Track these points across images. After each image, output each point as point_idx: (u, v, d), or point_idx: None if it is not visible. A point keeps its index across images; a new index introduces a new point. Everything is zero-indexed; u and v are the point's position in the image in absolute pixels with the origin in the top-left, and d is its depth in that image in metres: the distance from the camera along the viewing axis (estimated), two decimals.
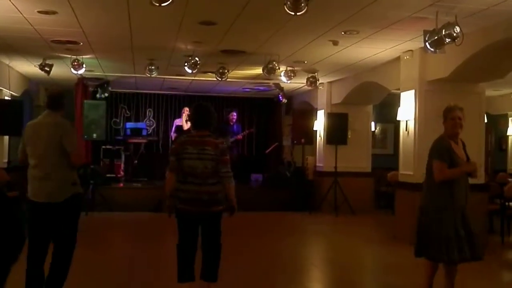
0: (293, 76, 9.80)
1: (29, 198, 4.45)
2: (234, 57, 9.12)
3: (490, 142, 14.66)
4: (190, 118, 4.97)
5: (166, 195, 4.75)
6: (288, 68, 9.67)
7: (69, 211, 4.46)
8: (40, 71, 9.65)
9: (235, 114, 13.50)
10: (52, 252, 4.50)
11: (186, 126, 12.77)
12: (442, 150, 4.71)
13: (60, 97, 4.64)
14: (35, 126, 4.57)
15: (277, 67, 8.79)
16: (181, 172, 4.65)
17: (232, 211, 4.77)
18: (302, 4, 4.93)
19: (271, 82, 11.80)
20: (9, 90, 10.29)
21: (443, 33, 5.80)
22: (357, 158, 11.83)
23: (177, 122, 13.38)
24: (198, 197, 4.58)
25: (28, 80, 11.81)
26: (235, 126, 13.37)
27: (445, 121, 4.78)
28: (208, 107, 4.86)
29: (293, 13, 5.04)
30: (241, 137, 13.56)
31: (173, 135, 13.33)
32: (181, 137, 5.00)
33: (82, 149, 4.48)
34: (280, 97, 12.88)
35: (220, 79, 10.07)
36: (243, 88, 13.59)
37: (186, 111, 13.02)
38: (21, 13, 6.42)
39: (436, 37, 5.94)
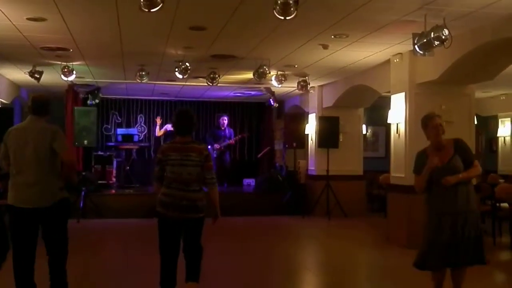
0: (284, 80, 9.81)
1: (13, 205, 4.37)
2: (224, 62, 9.12)
3: (481, 143, 14.76)
4: (173, 124, 4.93)
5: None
6: (279, 72, 9.68)
7: (57, 216, 4.45)
8: (30, 78, 9.60)
9: (226, 118, 13.55)
10: (48, 262, 4.48)
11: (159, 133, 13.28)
12: (416, 163, 4.83)
13: (45, 102, 4.57)
14: (19, 131, 4.48)
15: (267, 72, 8.81)
16: (165, 178, 4.68)
17: (215, 218, 4.78)
18: (291, 9, 4.93)
19: (262, 86, 11.81)
20: None
21: (432, 36, 5.83)
22: (349, 161, 11.85)
23: (168, 127, 13.41)
24: (177, 202, 4.60)
25: (18, 87, 11.75)
26: (227, 130, 13.42)
27: (426, 129, 4.78)
28: (189, 112, 4.85)
29: (282, 18, 5.04)
30: (233, 142, 13.58)
31: (157, 135, 13.75)
32: (163, 144, 5.03)
33: (74, 155, 4.48)
34: (271, 101, 12.91)
35: (211, 84, 10.06)
36: (234, 93, 13.60)
37: (158, 119, 13.46)
38: (10, 20, 6.39)
39: (425, 40, 5.98)
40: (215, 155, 12.84)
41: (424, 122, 4.80)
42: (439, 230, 4.60)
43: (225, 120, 13.51)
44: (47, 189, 4.38)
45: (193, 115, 4.83)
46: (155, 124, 13.87)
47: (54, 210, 4.39)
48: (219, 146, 13.17)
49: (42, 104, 4.57)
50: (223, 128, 13.41)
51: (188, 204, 4.60)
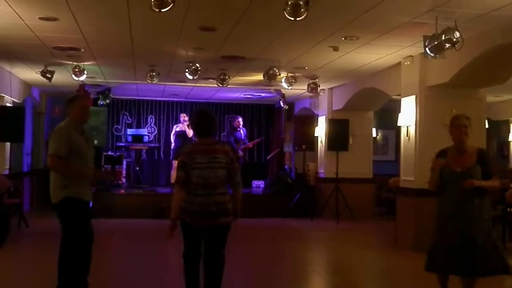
0: (294, 82, 9.81)
1: None
2: (234, 63, 9.13)
3: (492, 148, 14.64)
4: (193, 125, 4.71)
5: (174, 210, 4.43)
6: (289, 74, 9.68)
7: (60, 213, 4.63)
8: (41, 77, 9.67)
9: (240, 119, 13.45)
10: None
11: (190, 133, 12.72)
12: (437, 157, 4.80)
13: (65, 103, 4.90)
14: None
15: (278, 73, 8.80)
16: (190, 184, 4.39)
17: (234, 218, 4.59)
18: (302, 10, 4.93)
19: (272, 88, 11.80)
20: (11, 97, 10.31)
21: (443, 38, 5.79)
22: (359, 164, 11.81)
23: (177, 128, 13.26)
24: (206, 209, 4.35)
25: (29, 86, 11.84)
26: (242, 131, 13.31)
27: (451, 128, 4.78)
28: (210, 112, 4.69)
29: (292, 19, 5.04)
30: (251, 145, 13.52)
31: (174, 142, 13.27)
32: (185, 147, 4.85)
33: (55, 162, 4.61)
34: (281, 104, 12.87)
35: (221, 85, 10.08)
36: (244, 95, 13.61)
37: (184, 116, 12.99)
38: (22, 20, 6.44)
39: (436, 42, 5.94)
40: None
41: (451, 122, 4.81)
42: (446, 233, 4.58)
43: (240, 122, 13.41)
44: (52, 187, 4.68)
45: (213, 116, 4.63)
46: (179, 122, 13.52)
47: (59, 208, 4.62)
48: (242, 153, 13.09)
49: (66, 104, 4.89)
50: (238, 129, 13.33)
51: (217, 209, 4.37)
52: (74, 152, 4.62)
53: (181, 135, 12.90)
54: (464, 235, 4.53)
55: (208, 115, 4.58)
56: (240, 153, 12.91)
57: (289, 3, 4.87)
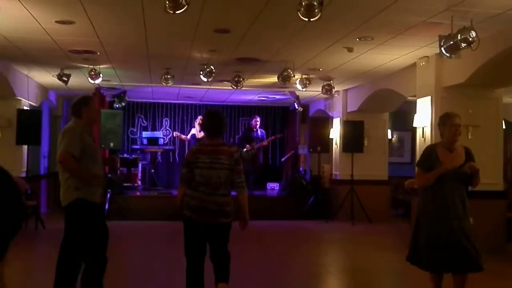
0: (309, 84, 9.79)
1: None
2: (249, 65, 9.15)
3: (510, 149, 14.44)
4: (202, 126, 4.84)
5: (178, 206, 4.64)
6: (303, 76, 9.66)
7: (72, 216, 4.54)
8: (58, 81, 9.77)
9: (258, 119, 13.31)
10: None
11: (200, 135, 12.81)
12: (424, 157, 4.78)
13: (74, 104, 4.74)
14: None
15: (292, 75, 8.79)
16: (193, 181, 4.54)
17: (244, 222, 4.65)
18: (316, 10, 4.92)
19: (287, 90, 11.80)
20: (28, 100, 10.44)
21: (459, 38, 5.75)
22: (374, 166, 11.76)
23: (193, 131, 13.43)
24: (206, 206, 4.47)
25: (46, 90, 11.97)
26: (259, 132, 13.16)
27: (444, 127, 4.72)
28: (220, 113, 4.78)
29: (306, 19, 5.03)
30: (266, 143, 13.40)
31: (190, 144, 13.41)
32: (194, 146, 4.94)
33: (68, 160, 4.51)
34: (296, 106, 12.85)
35: (235, 87, 10.11)
36: (259, 97, 13.62)
37: (199, 119, 13.05)
38: (39, 23, 6.51)
39: (451, 42, 5.90)
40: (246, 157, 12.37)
41: (443, 119, 4.77)
42: (438, 234, 4.53)
43: (257, 121, 13.19)
44: (63, 189, 4.58)
45: (223, 117, 4.76)
46: (193, 126, 13.68)
47: (69, 210, 4.54)
48: (250, 147, 12.70)
49: (72, 105, 4.76)
50: (255, 130, 13.13)
51: (216, 208, 4.48)
52: (86, 153, 4.56)
53: (194, 137, 13.01)
54: (460, 233, 4.52)
55: (216, 116, 4.70)
56: (247, 147, 12.61)
57: (303, 3, 4.87)
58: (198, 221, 4.51)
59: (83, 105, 4.72)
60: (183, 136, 13.87)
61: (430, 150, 4.80)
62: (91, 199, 4.56)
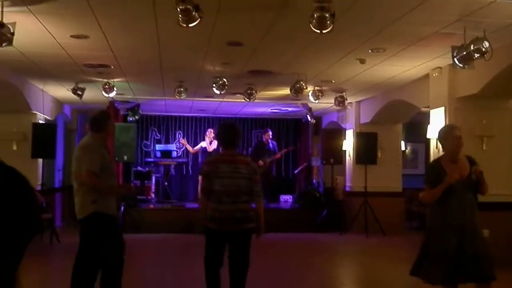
0: (321, 96, 9.79)
1: None
2: (261, 78, 9.18)
3: None
4: (218, 137, 5.04)
5: (201, 217, 4.75)
6: (316, 88, 9.67)
7: (89, 229, 4.59)
8: (72, 95, 9.88)
9: (270, 132, 13.31)
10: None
11: (210, 148, 12.87)
12: (430, 173, 4.76)
13: (95, 119, 4.82)
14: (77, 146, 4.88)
15: (304, 87, 8.80)
16: (213, 192, 4.63)
17: (259, 232, 4.76)
18: (328, 22, 4.93)
19: (299, 102, 11.81)
20: (43, 114, 10.56)
21: (472, 48, 5.74)
22: (388, 178, 11.68)
23: (203, 144, 13.46)
24: (232, 215, 4.59)
25: (61, 104, 12.10)
26: (270, 144, 13.14)
27: (446, 140, 4.71)
28: (235, 125, 4.97)
29: (318, 31, 5.05)
30: (279, 156, 13.36)
31: (200, 158, 13.44)
32: (210, 157, 5.05)
33: (92, 178, 4.58)
34: (308, 118, 12.84)
35: (248, 100, 10.14)
36: (271, 109, 13.64)
37: (210, 132, 13.13)
38: (54, 38, 6.61)
39: (464, 53, 5.88)
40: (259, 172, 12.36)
41: (444, 133, 4.75)
42: (448, 243, 4.47)
43: (269, 135, 13.16)
44: (80, 202, 4.64)
45: (239, 128, 4.94)
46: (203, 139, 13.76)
47: (86, 223, 4.60)
48: (262, 162, 12.56)
49: (92, 120, 4.85)
50: (266, 143, 13.11)
51: (241, 216, 4.61)
52: (105, 168, 4.63)
53: (205, 150, 13.03)
54: (471, 243, 4.47)
55: (232, 127, 4.87)
56: (260, 163, 12.42)
57: (315, 15, 4.88)
58: (225, 230, 4.62)
59: (104, 120, 4.85)
60: (188, 146, 13.86)
61: (435, 165, 4.78)
62: (107, 211, 4.62)
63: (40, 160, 10.32)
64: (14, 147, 9.78)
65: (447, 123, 7.95)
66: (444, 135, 4.75)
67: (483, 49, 5.66)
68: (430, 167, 4.85)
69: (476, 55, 5.74)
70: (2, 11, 5.22)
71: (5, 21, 5.24)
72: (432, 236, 4.64)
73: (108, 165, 4.72)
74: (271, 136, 13.25)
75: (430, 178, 4.70)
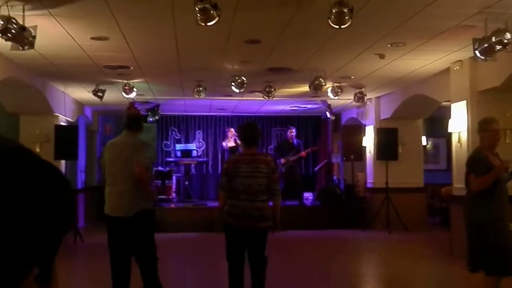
0: (340, 92, 9.73)
1: (107, 214, 4.72)
2: (280, 75, 9.16)
3: None
4: (239, 136, 5.14)
5: (219, 213, 4.89)
6: (335, 84, 9.62)
7: (140, 225, 4.68)
8: (93, 96, 9.99)
9: (294, 130, 13.26)
10: (140, 272, 4.70)
11: (230, 144, 13.00)
12: (477, 163, 4.79)
13: (138, 119, 4.98)
14: (113, 145, 4.86)
15: (323, 84, 8.76)
16: (233, 190, 4.77)
17: (275, 227, 4.88)
18: (346, 17, 4.90)
19: (318, 99, 11.77)
20: (65, 116, 10.69)
21: (493, 40, 5.64)
22: (409, 174, 11.57)
23: (225, 143, 13.53)
24: (249, 213, 4.71)
25: (82, 105, 12.24)
26: (295, 142, 13.09)
27: (484, 133, 4.77)
28: (255, 124, 5.19)
29: (337, 27, 5.02)
30: (304, 154, 13.33)
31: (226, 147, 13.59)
32: (232, 156, 5.18)
33: (145, 173, 4.66)
34: (328, 114, 12.78)
35: (267, 97, 10.13)
36: (290, 107, 13.61)
37: (231, 131, 13.19)
38: (75, 40, 6.68)
39: (486, 45, 5.79)
40: (283, 170, 12.22)
41: (483, 126, 4.84)
42: (507, 233, 4.53)
43: (293, 133, 13.10)
44: (131, 200, 4.64)
45: (258, 128, 5.11)
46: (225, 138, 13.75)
47: (137, 220, 4.64)
48: (284, 160, 12.51)
49: (135, 120, 4.94)
50: (291, 141, 13.02)
51: (258, 214, 4.73)
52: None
53: (229, 149, 13.10)
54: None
55: (252, 127, 5.06)
56: (282, 161, 12.39)
57: (333, 11, 4.86)
58: (241, 227, 4.73)
59: (141, 120, 5.05)
60: (231, 140, 13.74)
61: (481, 155, 4.84)
62: (149, 208, 4.78)
63: (63, 162, 10.44)
64: (38, 149, 9.90)
65: (469, 116, 7.86)
66: (482, 128, 4.85)
67: (505, 41, 5.56)
68: (476, 157, 4.88)
69: (498, 47, 5.65)
70: (24, 14, 5.30)
71: (26, 24, 5.31)
72: (487, 230, 4.65)
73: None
74: (295, 134, 13.19)
75: (479, 168, 4.76)
